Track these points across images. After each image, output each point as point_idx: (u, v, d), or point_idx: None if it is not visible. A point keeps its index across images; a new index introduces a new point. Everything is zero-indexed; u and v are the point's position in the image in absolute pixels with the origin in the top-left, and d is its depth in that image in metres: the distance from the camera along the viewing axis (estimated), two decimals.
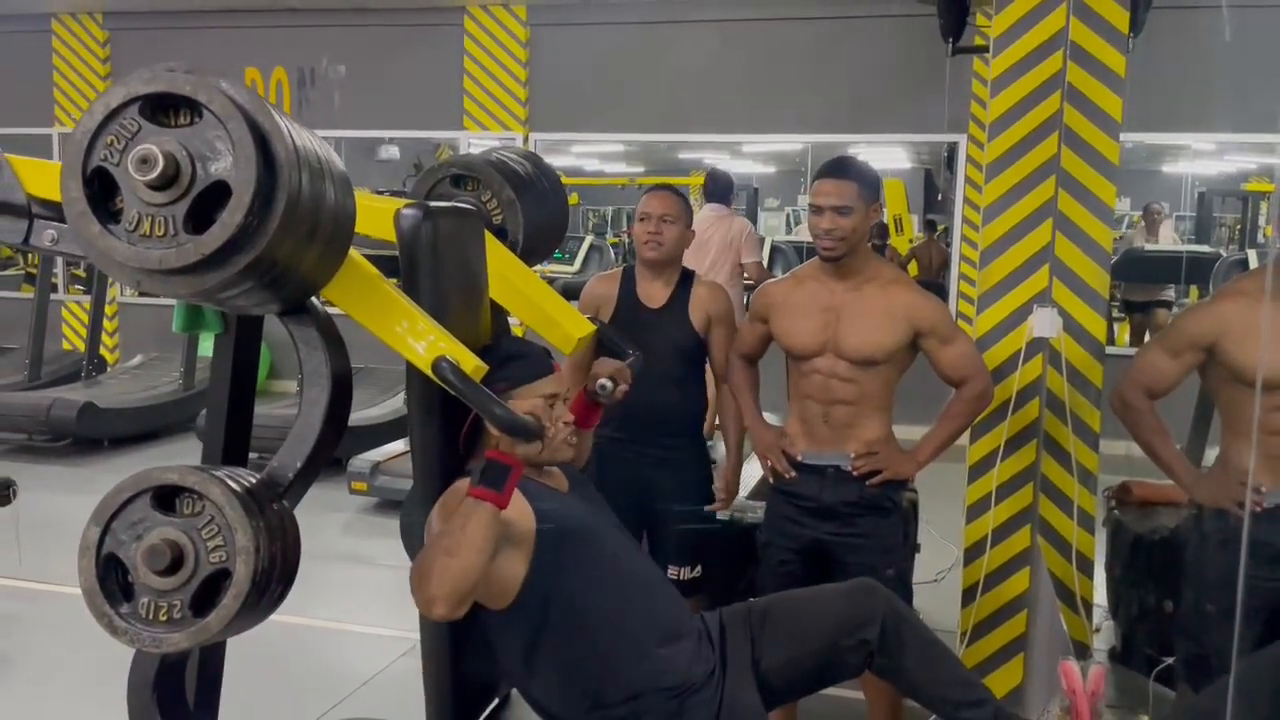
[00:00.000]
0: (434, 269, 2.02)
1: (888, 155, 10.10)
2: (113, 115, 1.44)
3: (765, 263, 7.60)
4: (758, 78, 7.36)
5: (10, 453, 6.59)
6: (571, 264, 10.22)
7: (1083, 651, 2.83)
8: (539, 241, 2.61)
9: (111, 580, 1.59)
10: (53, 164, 1.71)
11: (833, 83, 7.25)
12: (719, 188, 6.14)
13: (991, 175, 3.03)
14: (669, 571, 3.03)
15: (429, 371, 1.84)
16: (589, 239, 11.08)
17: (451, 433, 2.12)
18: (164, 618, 1.57)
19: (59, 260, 8.15)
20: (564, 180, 2.91)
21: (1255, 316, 2.36)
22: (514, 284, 2.42)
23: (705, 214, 5.81)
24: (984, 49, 3.71)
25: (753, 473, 3.70)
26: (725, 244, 5.77)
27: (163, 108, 1.45)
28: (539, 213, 2.56)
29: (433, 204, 2.17)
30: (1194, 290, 8.15)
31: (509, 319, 2.49)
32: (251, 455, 2.05)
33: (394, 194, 6.45)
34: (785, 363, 2.80)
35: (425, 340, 1.86)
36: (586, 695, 2.06)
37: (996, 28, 2.98)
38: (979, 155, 6.55)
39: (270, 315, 1.80)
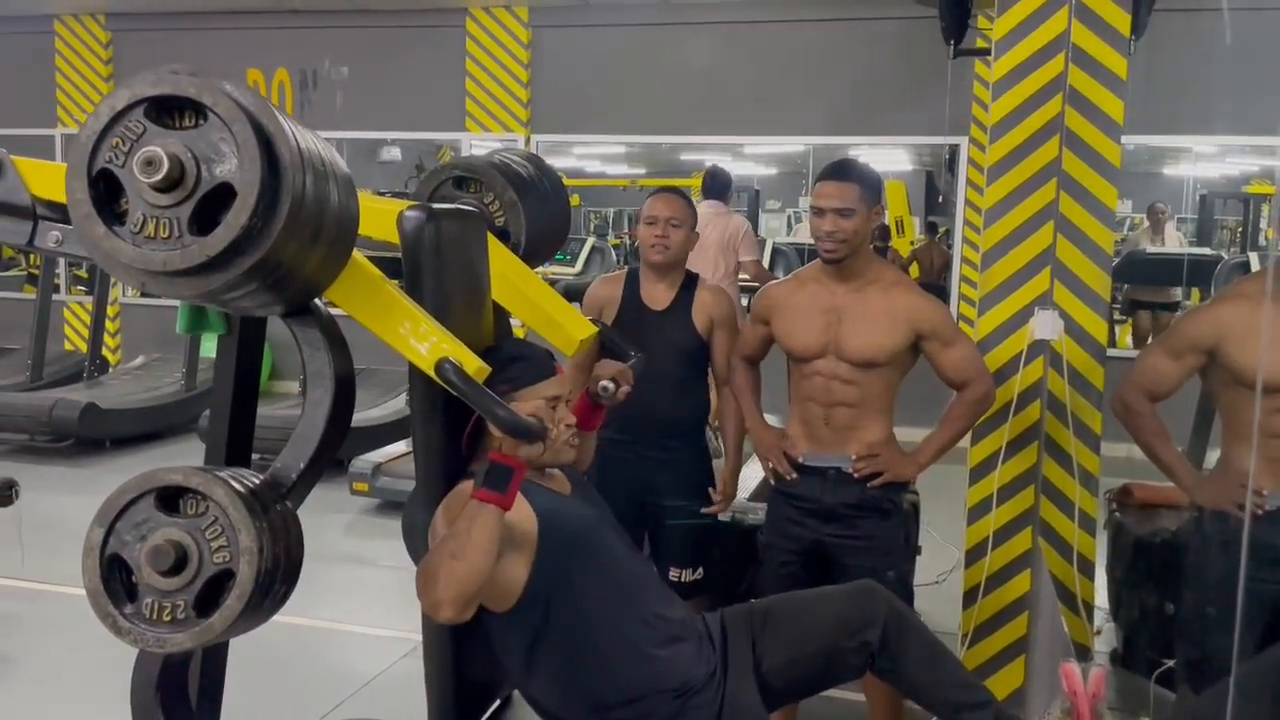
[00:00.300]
0: (437, 270, 2.02)
1: (889, 157, 10.10)
2: (118, 117, 1.44)
3: (766, 264, 7.61)
4: (759, 80, 7.36)
5: (12, 453, 6.59)
6: (573, 266, 10.22)
7: (1084, 654, 2.83)
8: (541, 243, 2.61)
9: (115, 581, 1.59)
10: (57, 165, 1.71)
11: (834, 85, 7.25)
12: (717, 185, 6.15)
13: (993, 178, 3.03)
14: (670, 573, 3.03)
15: (432, 373, 1.84)
16: (591, 241, 11.08)
17: (454, 434, 2.12)
18: (168, 618, 1.57)
19: (61, 261, 8.16)
20: (566, 182, 2.91)
21: (1256, 319, 2.37)
22: (516, 286, 2.42)
23: (703, 210, 5.78)
24: (986, 52, 3.71)
25: (753, 474, 3.70)
26: (722, 242, 5.77)
27: (168, 110, 1.45)
28: (541, 214, 2.57)
29: (435, 206, 2.17)
30: (1195, 293, 8.15)
31: (511, 321, 2.49)
32: (254, 456, 2.05)
33: (396, 195, 6.45)
34: (787, 365, 2.81)
35: (428, 342, 1.87)
36: (587, 697, 2.07)
37: (998, 30, 2.98)
38: (980, 158, 6.56)
39: (273, 316, 1.81)
